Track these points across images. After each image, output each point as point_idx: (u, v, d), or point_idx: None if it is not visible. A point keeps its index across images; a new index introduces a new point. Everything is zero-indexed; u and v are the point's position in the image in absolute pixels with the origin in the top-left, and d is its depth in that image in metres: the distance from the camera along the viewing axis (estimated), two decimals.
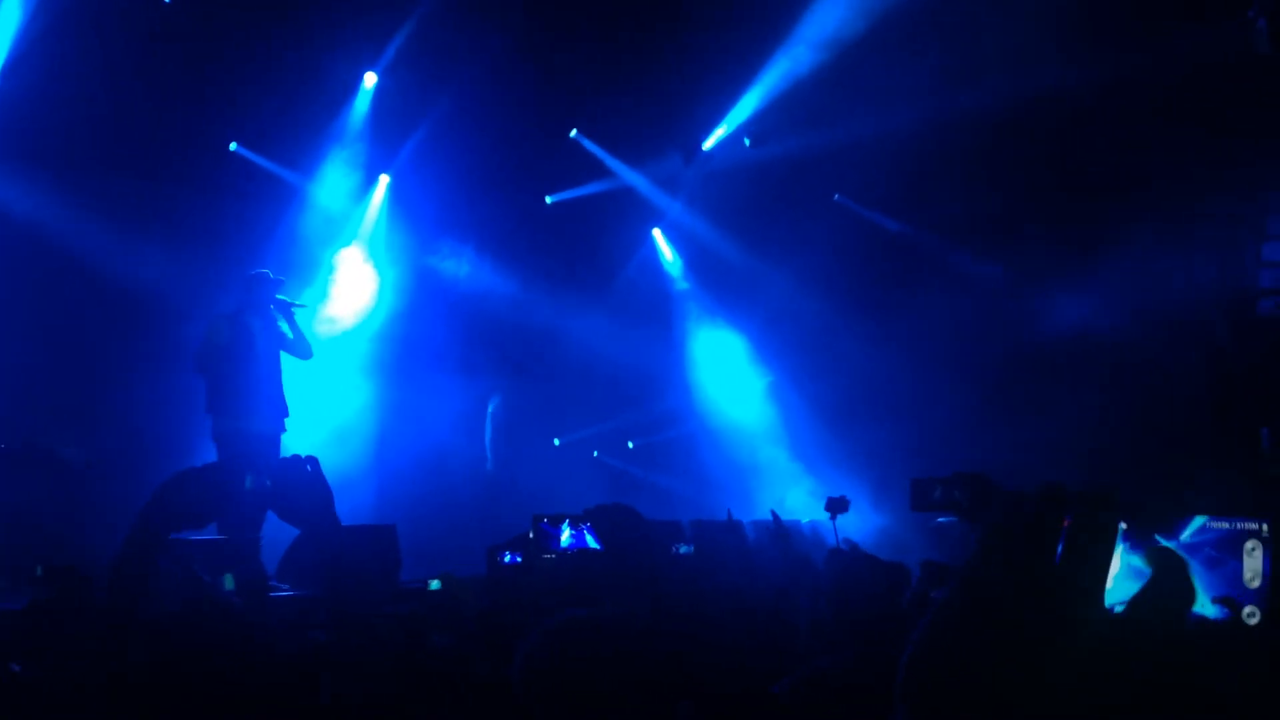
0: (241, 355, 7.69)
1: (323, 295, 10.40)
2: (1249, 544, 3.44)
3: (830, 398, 11.81)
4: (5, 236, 9.30)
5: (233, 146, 10.66)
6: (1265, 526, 3.44)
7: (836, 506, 7.16)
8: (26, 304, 9.35)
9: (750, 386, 12.68)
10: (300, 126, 10.85)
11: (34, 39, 9.11)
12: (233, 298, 8.16)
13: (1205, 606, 3.46)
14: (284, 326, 8.05)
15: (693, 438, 12.20)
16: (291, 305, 8.11)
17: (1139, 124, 9.97)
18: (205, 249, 10.12)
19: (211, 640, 2.79)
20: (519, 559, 5.32)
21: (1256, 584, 3.42)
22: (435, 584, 5.49)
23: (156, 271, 9.88)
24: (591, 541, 3.82)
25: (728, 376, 12.83)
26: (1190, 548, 3.54)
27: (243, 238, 10.35)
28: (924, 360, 11.17)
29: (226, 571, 5.49)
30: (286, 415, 7.97)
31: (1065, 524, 1.29)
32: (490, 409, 10.56)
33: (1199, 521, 3.57)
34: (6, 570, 7.27)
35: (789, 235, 12.02)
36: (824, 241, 11.94)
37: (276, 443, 7.80)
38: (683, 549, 7.11)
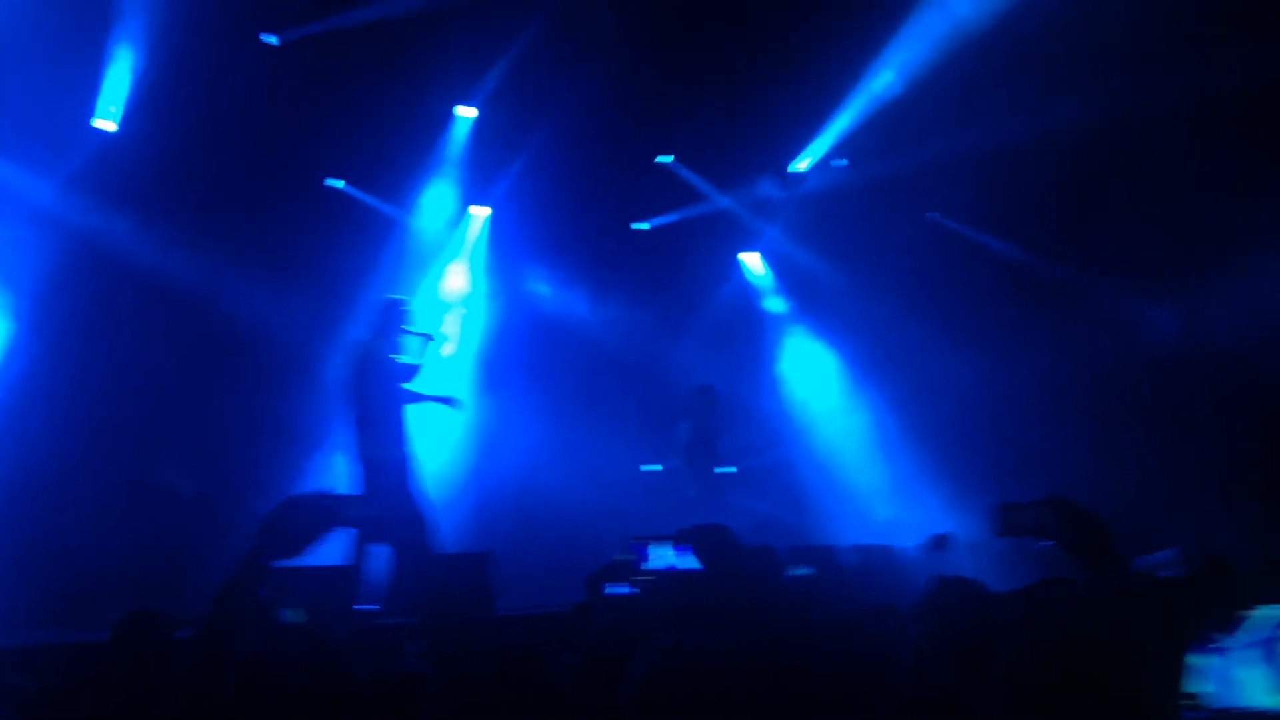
0: (376, 381, 7.78)
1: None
2: None
3: (929, 419, 11.59)
4: (117, 276, 9.67)
5: (336, 182, 10.94)
6: None
7: (940, 544, 6.96)
8: (137, 341, 9.69)
9: (846, 409, 12.51)
10: (400, 161, 11.11)
11: (146, 87, 9.48)
12: (365, 326, 8.26)
13: (1268, 697, 3.32)
14: (410, 351, 8.10)
15: (788, 462, 12.06)
16: (427, 336, 8.17)
17: (1251, 134, 9.66)
18: (308, 283, 10.40)
19: (294, 670, 2.83)
20: (627, 590, 5.26)
21: None
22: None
23: (261, 306, 10.16)
24: (691, 562, 3.79)
25: (823, 400, 12.68)
26: (1261, 644, 3.39)
27: (346, 272, 10.60)
28: (1025, 381, 10.91)
29: (324, 599, 5.55)
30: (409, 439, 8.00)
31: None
32: (683, 437, 10.54)
33: (1276, 613, 3.40)
34: (114, 601, 7.48)
35: (884, 255, 11.87)
36: (920, 260, 11.77)
37: (410, 467, 7.86)
38: (799, 571, 7.02)
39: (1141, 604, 2.49)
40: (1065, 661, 2.27)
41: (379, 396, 7.75)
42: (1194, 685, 3.32)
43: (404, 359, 8.03)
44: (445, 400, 8.19)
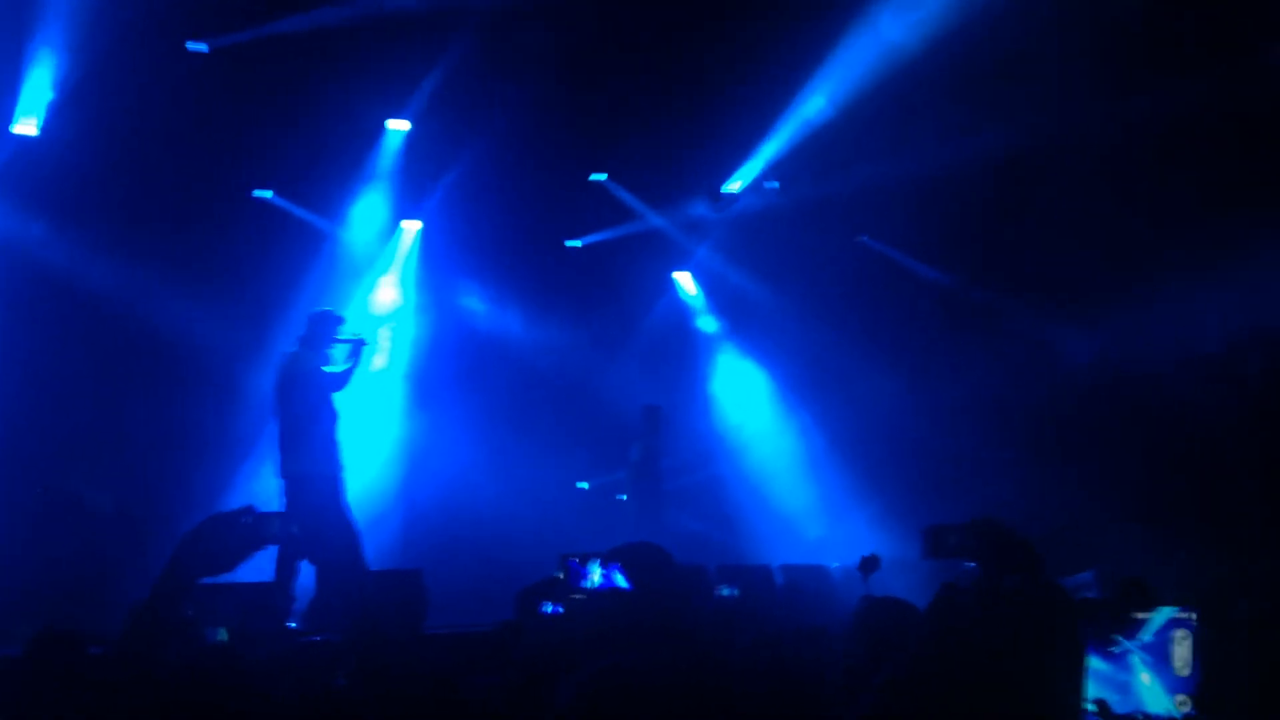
0: (303, 395, 7.63)
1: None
2: (1178, 632, 3.44)
3: (858, 439, 11.73)
4: (37, 284, 9.43)
5: (264, 193, 10.77)
6: (1195, 615, 3.46)
7: (869, 566, 6.98)
8: (56, 352, 9.44)
9: (776, 429, 12.61)
10: (330, 173, 10.98)
11: (70, 91, 9.27)
12: (294, 338, 8.02)
13: (1163, 702, 3.43)
14: (339, 359, 7.89)
15: (719, 481, 12.12)
16: (358, 341, 7.96)
17: (1167, 162, 9.95)
18: (235, 295, 10.23)
19: (215, 690, 2.76)
20: (561, 609, 5.19)
21: (1186, 672, 3.43)
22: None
23: (184, 317, 9.98)
24: (621, 581, 3.76)
25: (753, 419, 12.77)
26: (1152, 647, 3.50)
27: (273, 283, 10.44)
28: (951, 402, 11.09)
29: (250, 616, 5.44)
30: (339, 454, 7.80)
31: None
32: (634, 456, 10.48)
33: (1166, 614, 3.52)
34: (29, 616, 7.25)
35: (815, 277, 12.01)
36: (849, 283, 11.93)
37: (338, 483, 7.71)
38: (725, 591, 7.00)
39: (1040, 609, 2.51)
40: (961, 668, 2.29)
41: (306, 410, 7.59)
42: (1098, 691, 3.40)
43: (334, 368, 7.86)
44: (358, 347, 7.93)
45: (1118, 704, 3.42)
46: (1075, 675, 2.46)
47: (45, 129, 9.36)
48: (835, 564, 8.65)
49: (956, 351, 11.26)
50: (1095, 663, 3.45)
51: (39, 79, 9.24)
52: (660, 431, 10.56)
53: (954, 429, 10.98)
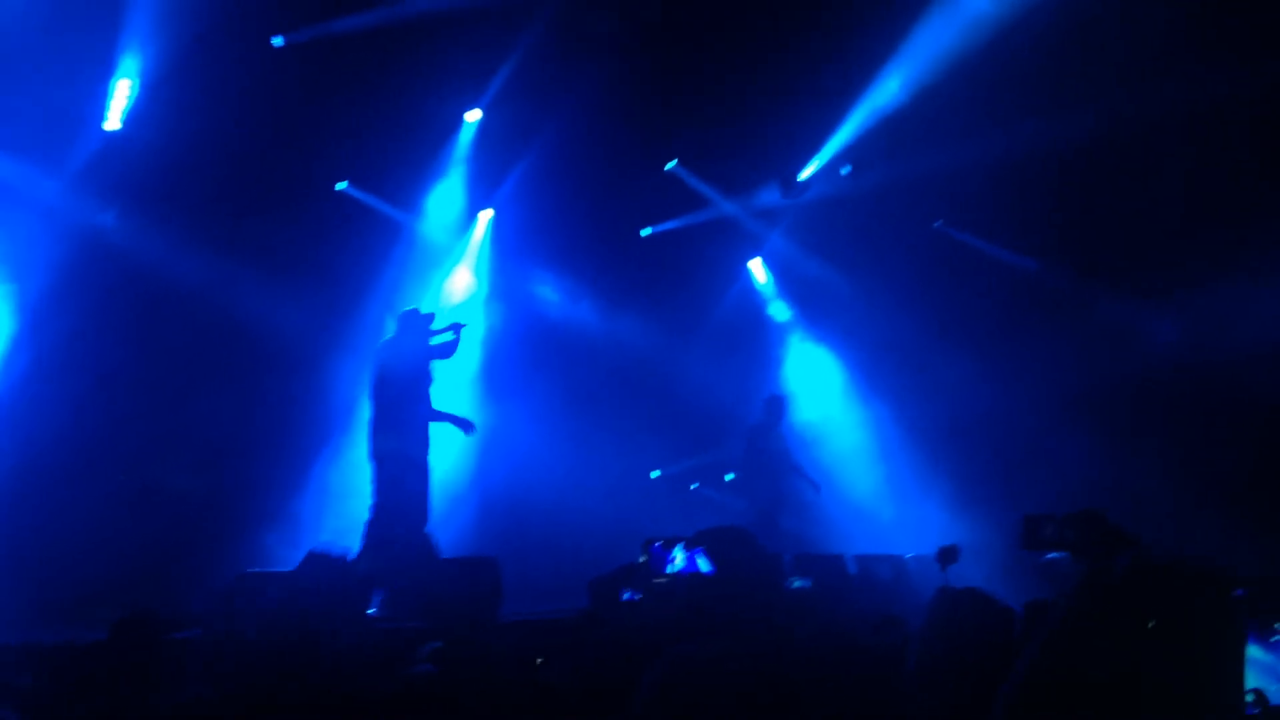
0: (400, 381, 7.94)
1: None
2: None
3: (933, 425, 11.60)
4: (122, 275, 9.67)
5: (341, 185, 10.93)
6: None
7: (947, 557, 6.84)
8: (141, 340, 9.68)
9: (849, 416, 12.51)
10: (406, 164, 11.11)
11: (152, 86, 9.47)
12: (393, 330, 8.49)
13: None
14: (443, 338, 8.28)
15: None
16: (456, 325, 8.34)
17: (1254, 144, 9.69)
18: (313, 285, 10.39)
19: (300, 673, 2.83)
20: (639, 596, 5.17)
21: None
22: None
23: (265, 307, 10.16)
24: (705, 565, 3.75)
25: (826, 406, 12.67)
26: None
27: (351, 273, 10.60)
28: (1030, 387, 10.92)
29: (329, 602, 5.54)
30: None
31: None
32: (771, 447, 10.48)
33: None
34: (115, 601, 7.45)
35: (888, 263, 11.87)
36: (924, 269, 11.78)
37: (425, 470, 7.96)
38: (797, 583, 6.95)
39: (1200, 587, 2.34)
40: (1116, 650, 2.16)
41: (400, 396, 7.88)
42: (1256, 680, 3.22)
43: (438, 340, 8.20)
44: (459, 421, 8.35)
45: (1276, 694, 3.26)
46: (1236, 661, 2.31)
47: (130, 123, 9.57)
48: (910, 553, 8.55)
49: (1035, 336, 11.07)
50: (1253, 651, 3.29)
51: (125, 74, 9.46)
52: (785, 421, 10.56)
53: (1033, 413, 10.81)
